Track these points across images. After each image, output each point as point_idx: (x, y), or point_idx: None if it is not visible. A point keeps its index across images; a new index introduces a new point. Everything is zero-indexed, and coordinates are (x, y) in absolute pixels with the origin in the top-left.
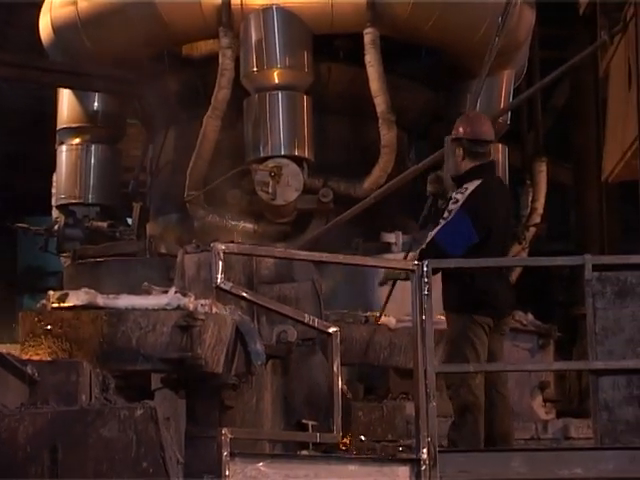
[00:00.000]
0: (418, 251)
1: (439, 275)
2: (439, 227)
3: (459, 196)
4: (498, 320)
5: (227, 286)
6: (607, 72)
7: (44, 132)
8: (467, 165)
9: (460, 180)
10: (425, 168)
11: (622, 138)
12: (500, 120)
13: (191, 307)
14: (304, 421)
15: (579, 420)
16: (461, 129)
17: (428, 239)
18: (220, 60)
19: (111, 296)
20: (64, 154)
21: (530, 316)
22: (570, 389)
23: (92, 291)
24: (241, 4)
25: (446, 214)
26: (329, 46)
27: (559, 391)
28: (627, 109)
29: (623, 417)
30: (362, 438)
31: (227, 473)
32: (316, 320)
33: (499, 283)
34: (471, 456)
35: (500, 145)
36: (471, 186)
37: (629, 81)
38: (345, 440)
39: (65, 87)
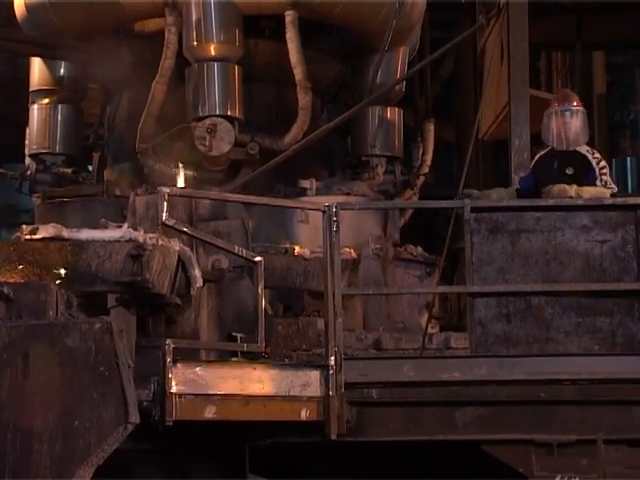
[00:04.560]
0: None
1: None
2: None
3: (599, 159)
4: None
5: (171, 222)
6: (484, 49)
7: (19, 93)
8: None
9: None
10: (334, 127)
11: (495, 103)
12: (397, 88)
13: (141, 239)
14: (234, 334)
15: (458, 333)
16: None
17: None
18: (166, 35)
19: (74, 230)
20: (35, 112)
21: (419, 249)
22: (451, 308)
23: (59, 225)
24: None
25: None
26: (256, 25)
27: (442, 310)
28: (500, 80)
29: (493, 331)
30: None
31: (170, 376)
32: (244, 251)
33: None
34: (369, 362)
35: (396, 109)
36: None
37: (501, 57)
38: (267, 349)
39: (36, 56)
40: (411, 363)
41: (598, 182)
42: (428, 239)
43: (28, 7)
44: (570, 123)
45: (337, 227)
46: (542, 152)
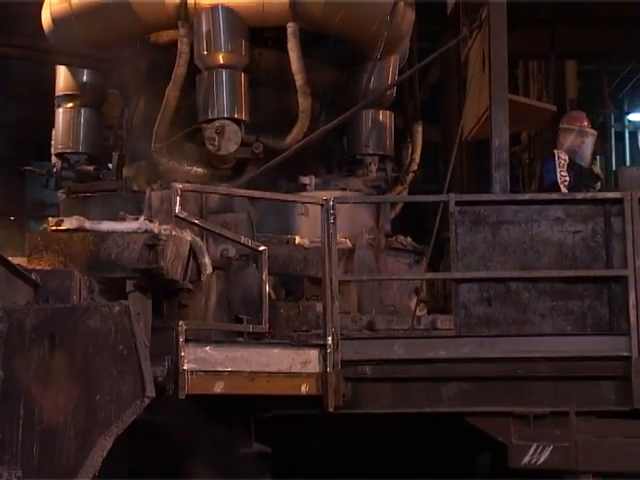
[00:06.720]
0: None
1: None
2: None
3: None
4: None
5: (183, 215)
6: (467, 58)
7: (45, 98)
8: None
9: None
10: (332, 128)
11: (478, 107)
12: (388, 93)
13: (156, 230)
14: (240, 316)
15: (444, 316)
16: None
17: None
18: (179, 45)
19: (96, 222)
20: (60, 115)
21: (409, 239)
22: (437, 293)
23: (81, 218)
24: (195, 3)
25: None
26: (261, 36)
27: (429, 294)
28: (482, 85)
29: (475, 313)
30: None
31: (182, 354)
32: (250, 241)
33: None
34: (364, 342)
35: (388, 112)
36: None
37: (483, 65)
38: (271, 330)
39: (61, 64)
40: (401, 342)
41: None
42: (417, 230)
43: (55, 21)
44: None
45: (334, 219)
46: (565, 158)
